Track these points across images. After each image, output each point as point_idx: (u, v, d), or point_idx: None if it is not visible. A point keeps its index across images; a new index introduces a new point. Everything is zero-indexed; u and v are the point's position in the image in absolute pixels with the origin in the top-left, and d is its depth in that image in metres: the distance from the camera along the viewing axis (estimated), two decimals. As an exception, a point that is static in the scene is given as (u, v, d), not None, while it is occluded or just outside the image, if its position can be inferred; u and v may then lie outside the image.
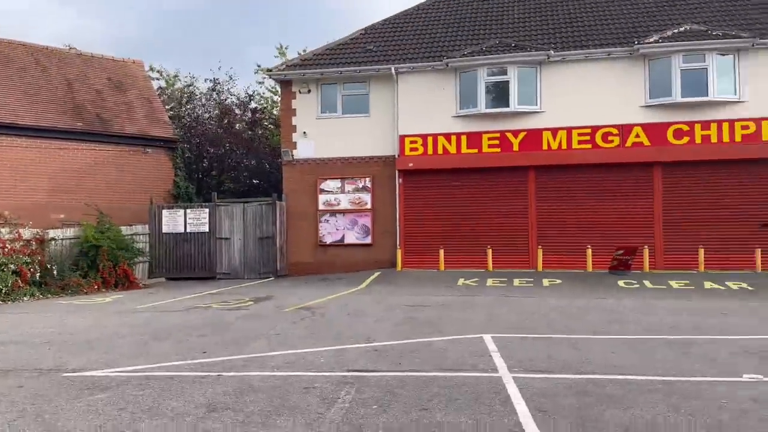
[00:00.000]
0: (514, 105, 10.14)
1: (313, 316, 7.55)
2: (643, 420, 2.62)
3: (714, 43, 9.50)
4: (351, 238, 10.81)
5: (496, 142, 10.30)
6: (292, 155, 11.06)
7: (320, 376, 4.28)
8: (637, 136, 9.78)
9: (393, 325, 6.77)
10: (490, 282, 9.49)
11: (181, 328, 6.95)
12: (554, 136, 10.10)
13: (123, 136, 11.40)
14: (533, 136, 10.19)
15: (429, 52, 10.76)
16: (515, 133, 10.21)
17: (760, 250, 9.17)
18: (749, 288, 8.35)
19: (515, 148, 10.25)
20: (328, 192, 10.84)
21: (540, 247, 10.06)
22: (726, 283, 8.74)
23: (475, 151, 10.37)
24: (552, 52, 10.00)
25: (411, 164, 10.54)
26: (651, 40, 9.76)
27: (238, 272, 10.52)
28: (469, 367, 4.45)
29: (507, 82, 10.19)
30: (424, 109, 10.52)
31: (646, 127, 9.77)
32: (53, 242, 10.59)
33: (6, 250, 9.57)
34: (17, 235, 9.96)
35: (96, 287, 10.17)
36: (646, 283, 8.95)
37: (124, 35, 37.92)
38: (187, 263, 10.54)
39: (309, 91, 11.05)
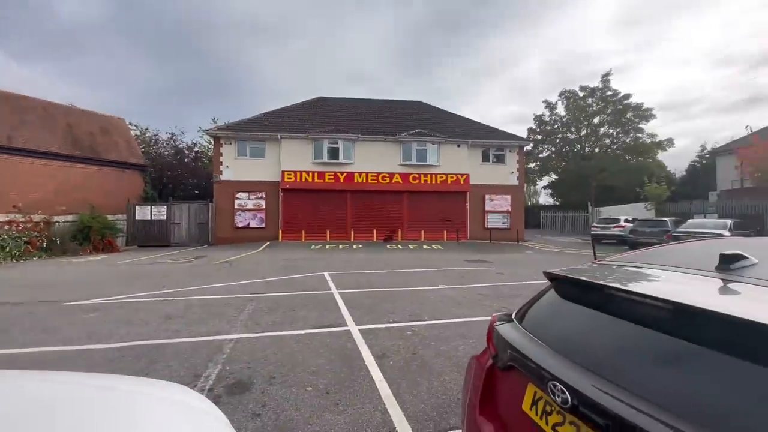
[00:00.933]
0: (341, 158, 20.09)
1: (230, 266, 10.55)
2: (398, 305, 5.83)
3: (430, 138, 20.82)
4: (253, 224, 19.40)
5: (332, 177, 20.04)
6: (219, 178, 19.41)
7: (234, 297, 6.34)
8: (396, 178, 20.55)
9: (276, 269, 9.68)
10: (328, 247, 16.15)
11: (147, 274, 9.16)
12: (360, 176, 20.29)
13: (109, 161, 18.41)
14: (350, 175, 20.17)
15: (299, 128, 20.33)
16: (341, 173, 20.08)
17: (445, 231, 20.37)
18: (441, 248, 17.04)
19: (342, 180, 20.09)
20: (240, 199, 19.38)
21: (352, 229, 19.99)
22: (432, 246, 18.44)
23: (322, 180, 19.96)
24: (360, 135, 20.37)
25: (288, 186, 19.68)
26: (404, 134, 20.79)
27: (185, 242, 18.26)
28: (317, 289, 7.01)
29: (338, 147, 20.11)
30: (295, 157, 19.79)
31: (401, 174, 20.57)
32: (57, 224, 16.64)
33: (19, 228, 15.47)
34: (29, 218, 15.94)
35: (89, 251, 15.92)
36: (399, 246, 17.08)
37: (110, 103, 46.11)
38: (152, 236, 17.85)
39: (230, 143, 19.67)
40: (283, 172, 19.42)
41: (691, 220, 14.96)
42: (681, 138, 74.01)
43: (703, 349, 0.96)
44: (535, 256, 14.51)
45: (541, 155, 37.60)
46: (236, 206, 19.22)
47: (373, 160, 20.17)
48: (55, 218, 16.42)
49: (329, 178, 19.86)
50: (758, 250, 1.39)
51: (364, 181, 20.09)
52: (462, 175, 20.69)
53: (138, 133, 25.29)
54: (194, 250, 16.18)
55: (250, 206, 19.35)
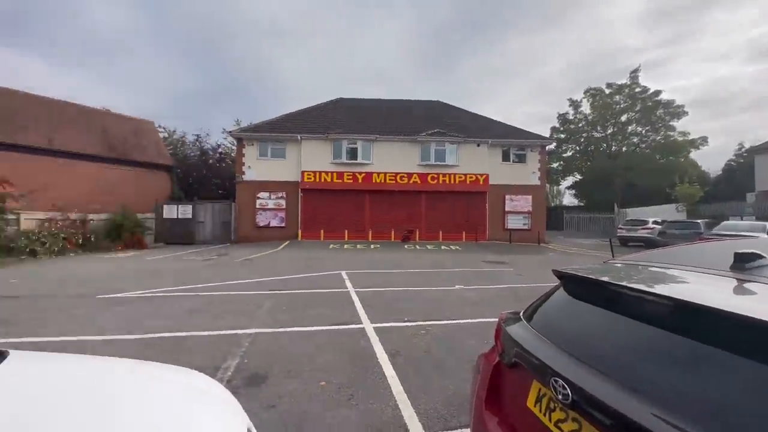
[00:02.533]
0: (359, 159, 20.23)
1: (251, 264, 10.91)
2: (414, 305, 5.77)
3: (449, 138, 20.67)
4: (274, 223, 19.85)
5: (351, 177, 20.20)
6: (242, 178, 19.95)
7: (253, 293, 6.53)
8: (414, 178, 20.49)
9: (295, 267, 9.91)
10: (346, 247, 16.26)
11: (173, 270, 9.59)
12: (378, 176, 20.36)
13: (139, 162, 19.31)
14: (369, 175, 20.28)
15: (318, 129, 20.60)
16: (360, 173, 20.22)
17: (464, 232, 20.16)
18: (459, 249, 17.49)
19: (360, 180, 20.23)
20: (261, 198, 19.85)
21: (370, 229, 20.09)
22: (450, 246, 18.49)
23: (341, 180, 20.15)
24: (378, 135, 20.43)
25: (307, 186, 19.98)
26: (422, 134, 20.69)
27: (209, 241, 18.88)
28: (334, 287, 7.12)
29: (356, 148, 20.25)
30: (314, 157, 20.07)
31: (419, 174, 20.50)
32: (92, 222, 17.68)
33: (58, 225, 16.57)
34: (66, 217, 16.98)
35: (120, 248, 16.84)
36: (417, 246, 17.14)
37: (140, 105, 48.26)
38: (178, 234, 18.57)
39: (252, 144, 20.18)
40: (303, 172, 19.75)
41: (725, 222, 14.18)
42: (717, 136, 70.21)
43: (712, 348, 0.94)
44: (556, 257, 14.16)
45: (564, 155, 36.63)
46: (258, 206, 19.69)
47: (391, 160, 20.22)
48: (90, 216, 17.29)
49: (348, 178, 20.04)
50: (777, 249, 1.33)
51: (383, 181, 20.16)
52: (481, 175, 20.42)
53: (166, 135, 26.41)
54: (217, 248, 16.62)
55: (271, 206, 19.79)
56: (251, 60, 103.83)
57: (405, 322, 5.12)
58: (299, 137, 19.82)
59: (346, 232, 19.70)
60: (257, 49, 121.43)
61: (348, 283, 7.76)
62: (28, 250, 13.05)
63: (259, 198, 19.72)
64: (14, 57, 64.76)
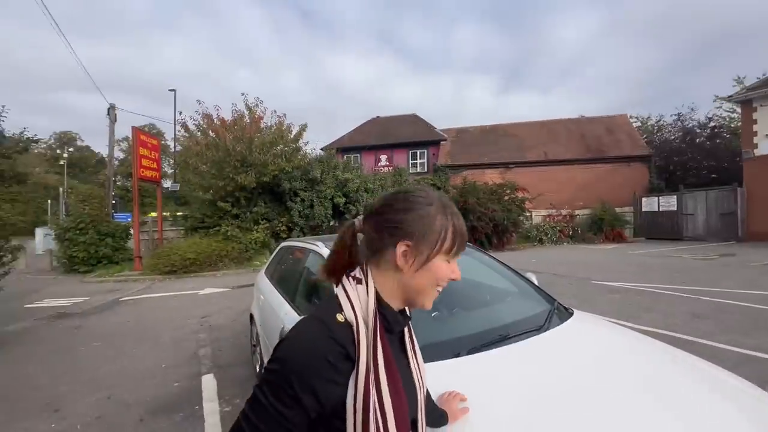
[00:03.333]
0: None
1: None
2: None
3: None
4: (822, 214, 12.80)
5: None
6: (753, 154, 14.63)
7: None
8: None
9: None
10: None
11: (660, 267, 9.04)
12: None
13: (614, 157, 19.86)
14: None
15: None
16: None
17: None
18: None
19: None
20: (794, 178, 13.48)
21: None
22: None
23: None
24: None
25: None
26: None
27: (701, 236, 15.63)
28: None
29: None
30: None
31: None
32: (577, 216, 20.46)
33: (554, 220, 20.07)
34: (559, 213, 20.28)
35: (601, 241, 17.90)
36: None
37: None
38: (660, 228, 16.98)
39: (767, 104, 14.21)
40: None
41: None
42: None
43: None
44: None
45: None
46: (785, 188, 13.63)
47: None
48: (576, 212, 20.05)
49: None
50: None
51: None
52: None
53: (639, 124, 24.91)
54: (716, 246, 13.45)
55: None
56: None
57: None
58: None
59: None
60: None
61: None
62: (538, 239, 17.31)
63: (787, 177, 13.59)
64: (518, 98, 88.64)
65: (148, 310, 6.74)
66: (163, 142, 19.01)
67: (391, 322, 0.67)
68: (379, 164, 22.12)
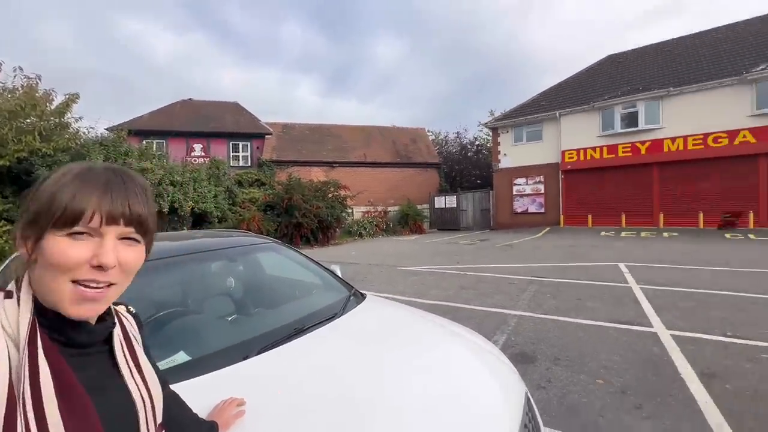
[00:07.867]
0: (641, 125, 15.97)
1: (511, 249, 11.30)
2: (744, 316, 4.02)
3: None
4: (532, 209, 19.16)
5: (628, 149, 16.31)
6: (498, 167, 20.49)
7: (516, 277, 6.82)
8: (743, 136, 13.91)
9: (558, 255, 9.45)
10: (624, 234, 13.70)
11: (445, 252, 11.47)
12: (673, 143, 15.35)
13: (416, 163, 23.91)
14: (657, 143, 15.67)
15: (580, 100, 17.90)
16: (642, 142, 15.97)
17: None
18: None
19: (643, 152, 15.97)
20: (518, 185, 19.62)
21: (661, 212, 15.56)
22: None
23: (613, 155, 16.69)
24: (672, 88, 15.33)
25: (569, 166, 17.90)
26: (760, 68, 13.74)
27: (470, 227, 20.80)
28: (608, 280, 6.20)
29: (636, 112, 16.07)
30: (576, 133, 17.56)
31: (752, 130, 13.73)
32: (389, 213, 23.79)
33: (372, 215, 22.81)
34: (376, 209, 23.18)
35: (407, 233, 22.09)
36: (751, 236, 11.61)
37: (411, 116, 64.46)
38: (446, 221, 21.60)
39: (507, 131, 20.21)
40: (563, 152, 17.94)
41: None
42: None
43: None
44: None
45: None
46: (514, 192, 19.65)
47: (696, 117, 14.83)
48: (389, 209, 22.92)
49: (624, 152, 16.42)
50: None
51: (681, 148, 15.16)
52: None
53: (433, 137, 30.96)
54: (478, 233, 18.03)
55: (528, 191, 19.25)
56: (497, 46, 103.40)
57: (728, 337, 3.73)
58: (557, 114, 18.08)
59: (624, 216, 16.26)
60: (501, 32, 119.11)
61: (629, 277, 6.48)
62: (358, 233, 18.91)
63: (515, 184, 19.63)
64: (340, 102, 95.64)
65: None
66: None
67: (69, 335, 0.55)
68: (193, 153, 19.29)
